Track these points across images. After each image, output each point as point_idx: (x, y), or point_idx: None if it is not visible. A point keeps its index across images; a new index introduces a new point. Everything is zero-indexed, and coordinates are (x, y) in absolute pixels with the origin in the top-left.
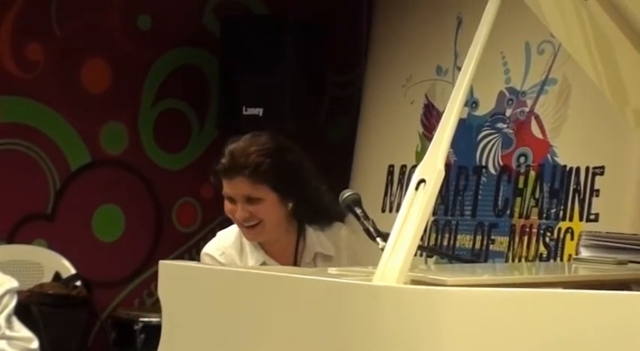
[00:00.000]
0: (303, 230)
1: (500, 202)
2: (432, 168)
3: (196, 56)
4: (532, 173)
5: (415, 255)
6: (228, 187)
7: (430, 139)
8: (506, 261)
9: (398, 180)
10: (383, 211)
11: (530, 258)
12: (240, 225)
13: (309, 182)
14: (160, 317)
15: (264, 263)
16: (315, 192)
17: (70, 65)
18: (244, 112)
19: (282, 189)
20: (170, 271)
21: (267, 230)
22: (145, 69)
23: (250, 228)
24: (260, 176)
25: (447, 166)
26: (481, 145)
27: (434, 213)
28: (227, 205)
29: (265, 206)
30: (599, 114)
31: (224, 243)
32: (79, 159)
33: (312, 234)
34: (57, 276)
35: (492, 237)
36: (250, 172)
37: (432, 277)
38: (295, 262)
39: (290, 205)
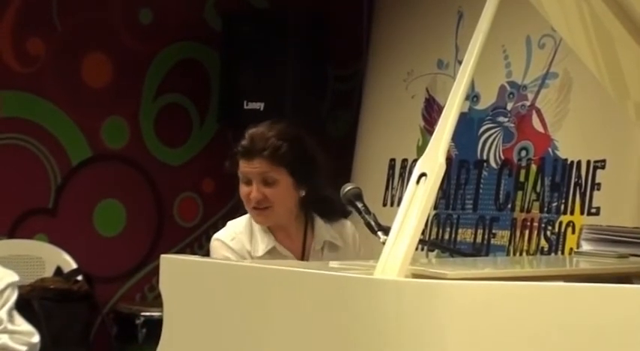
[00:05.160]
0: (311, 219)
1: (501, 196)
2: (433, 162)
3: (197, 51)
4: (533, 167)
5: (416, 249)
6: (246, 168)
7: (431, 133)
8: (508, 255)
9: (399, 174)
10: (384, 205)
11: (531, 252)
12: (250, 208)
13: (321, 172)
14: (162, 311)
15: (273, 249)
16: (325, 184)
17: (71, 60)
18: (245, 107)
19: (298, 174)
20: (171, 265)
21: (276, 214)
22: (146, 63)
23: (261, 210)
24: (278, 159)
25: (449, 160)
26: (482, 139)
27: (435, 207)
28: (242, 188)
29: (279, 189)
30: (600, 108)
31: (235, 229)
32: (80, 154)
33: (321, 224)
34: (58, 270)
35: (493, 231)
36: (269, 153)
37: (432, 270)
38: (304, 249)
39: (302, 192)
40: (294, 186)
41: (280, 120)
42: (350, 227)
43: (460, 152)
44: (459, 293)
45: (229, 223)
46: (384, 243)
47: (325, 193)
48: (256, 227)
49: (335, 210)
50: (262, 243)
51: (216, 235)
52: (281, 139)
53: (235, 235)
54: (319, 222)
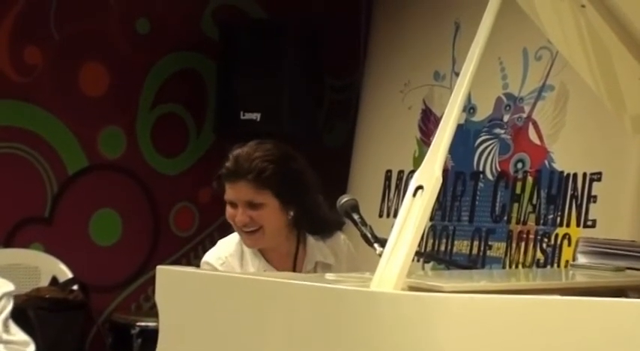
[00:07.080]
0: (303, 239)
1: (497, 208)
2: (430, 174)
3: (194, 60)
4: (529, 179)
5: (412, 261)
6: (230, 191)
7: (428, 144)
8: (504, 267)
9: (395, 185)
10: (380, 216)
11: (527, 264)
12: (239, 230)
13: (310, 191)
14: (157, 322)
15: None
16: (315, 202)
17: (68, 69)
18: (242, 117)
19: (284, 196)
20: (167, 276)
21: (266, 237)
22: (143, 73)
23: (250, 233)
24: (263, 182)
25: (445, 171)
26: (479, 150)
27: (431, 218)
28: (228, 210)
29: (266, 212)
30: (596, 120)
31: (224, 251)
32: (76, 163)
33: (313, 243)
34: (54, 280)
35: (489, 243)
36: (254, 176)
37: (429, 283)
38: (294, 271)
39: (291, 213)
40: (281, 207)
41: (266, 140)
42: (344, 240)
43: (456, 164)
44: (455, 306)
45: (220, 242)
46: (380, 255)
47: (315, 212)
48: (247, 249)
49: (327, 227)
50: (253, 266)
51: (206, 257)
52: (266, 161)
53: (225, 259)
54: (311, 241)
